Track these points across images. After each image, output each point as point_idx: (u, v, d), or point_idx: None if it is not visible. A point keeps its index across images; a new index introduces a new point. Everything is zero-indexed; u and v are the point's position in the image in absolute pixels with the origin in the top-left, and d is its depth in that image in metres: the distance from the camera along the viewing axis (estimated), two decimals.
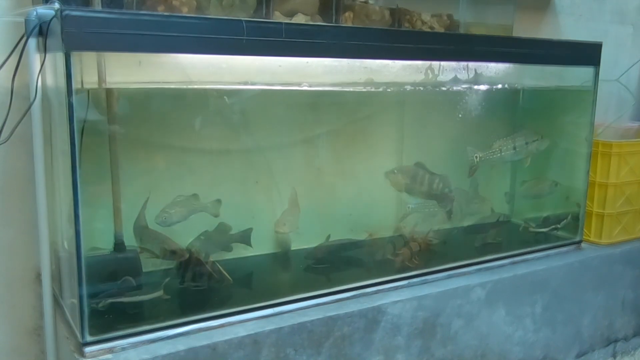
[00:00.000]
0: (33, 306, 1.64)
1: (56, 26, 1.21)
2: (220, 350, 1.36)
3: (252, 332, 1.41)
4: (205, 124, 1.70)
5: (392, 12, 1.84)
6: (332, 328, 1.53)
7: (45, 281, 1.46)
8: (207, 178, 1.74)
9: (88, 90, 1.38)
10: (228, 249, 1.73)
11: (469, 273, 1.87)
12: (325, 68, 1.66)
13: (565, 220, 2.21)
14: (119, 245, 1.54)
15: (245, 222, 1.75)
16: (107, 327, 1.33)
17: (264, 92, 1.73)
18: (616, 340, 2.28)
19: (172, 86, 1.56)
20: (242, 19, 1.40)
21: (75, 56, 1.22)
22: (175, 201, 1.60)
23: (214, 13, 1.54)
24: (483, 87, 2.05)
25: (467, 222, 2.16)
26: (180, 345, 1.33)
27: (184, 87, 1.58)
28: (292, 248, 1.89)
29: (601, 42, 2.11)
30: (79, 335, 1.31)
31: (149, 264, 1.59)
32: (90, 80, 1.38)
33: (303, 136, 1.92)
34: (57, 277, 1.51)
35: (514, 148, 2.10)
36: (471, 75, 1.95)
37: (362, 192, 1.99)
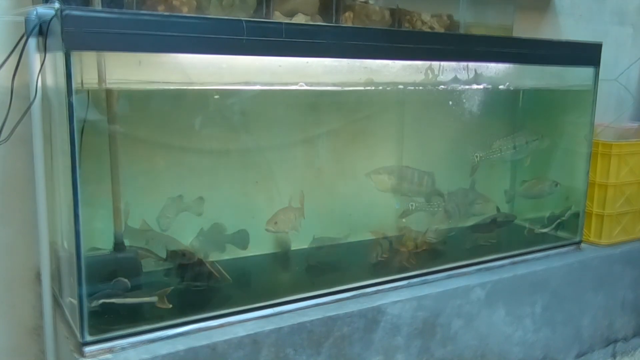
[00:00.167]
0: (33, 306, 1.64)
1: (56, 26, 1.22)
2: (219, 350, 1.36)
3: (252, 332, 1.41)
4: (205, 124, 1.70)
5: (392, 12, 1.85)
6: (332, 328, 1.53)
7: (45, 281, 1.46)
8: (207, 178, 1.73)
9: (88, 90, 1.38)
10: (222, 249, 1.73)
11: (469, 273, 1.87)
12: (325, 68, 1.65)
13: (569, 211, 2.20)
14: (118, 245, 1.54)
15: (245, 222, 1.75)
16: (106, 326, 1.33)
17: (264, 92, 1.73)
18: (616, 341, 2.28)
19: (172, 86, 1.56)
20: (242, 19, 1.40)
21: (75, 56, 1.22)
22: (167, 204, 1.61)
23: (214, 13, 1.54)
24: (483, 87, 2.05)
25: (468, 222, 2.16)
26: (180, 345, 1.33)
27: (184, 87, 1.58)
28: (292, 248, 1.89)
29: (601, 43, 2.11)
30: (78, 334, 1.31)
31: (149, 264, 1.59)
32: (90, 80, 1.37)
33: (303, 136, 1.92)
34: (56, 277, 1.51)
35: (514, 147, 2.10)
36: (471, 76, 1.95)
37: (362, 192, 1.99)
